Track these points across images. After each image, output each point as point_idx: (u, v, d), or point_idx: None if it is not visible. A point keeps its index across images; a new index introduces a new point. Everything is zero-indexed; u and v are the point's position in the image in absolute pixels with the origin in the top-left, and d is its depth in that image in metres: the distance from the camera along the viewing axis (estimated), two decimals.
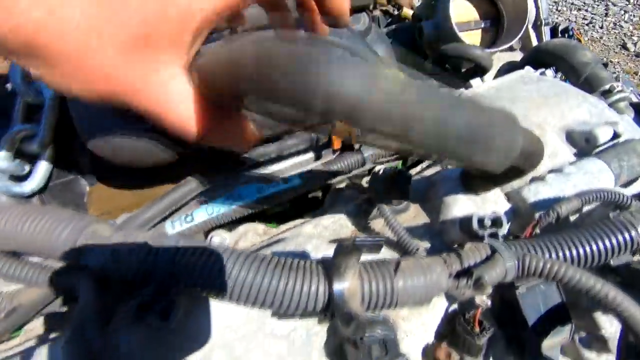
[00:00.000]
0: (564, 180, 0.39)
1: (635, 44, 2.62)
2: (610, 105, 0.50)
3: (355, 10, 0.66)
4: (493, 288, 0.36)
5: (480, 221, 0.32)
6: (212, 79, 0.20)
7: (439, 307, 0.38)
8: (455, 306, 0.39)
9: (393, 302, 0.28)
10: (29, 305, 0.32)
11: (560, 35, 0.66)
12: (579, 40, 0.64)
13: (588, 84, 0.53)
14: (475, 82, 0.58)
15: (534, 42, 0.68)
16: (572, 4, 2.96)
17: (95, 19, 0.16)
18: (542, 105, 0.51)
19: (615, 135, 0.43)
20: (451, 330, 0.38)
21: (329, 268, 0.27)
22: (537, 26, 0.66)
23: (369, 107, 0.19)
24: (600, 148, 0.42)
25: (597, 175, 0.39)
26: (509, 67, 0.67)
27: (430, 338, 0.38)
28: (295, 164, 0.45)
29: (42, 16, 0.15)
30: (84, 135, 0.37)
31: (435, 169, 0.48)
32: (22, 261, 0.29)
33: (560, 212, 0.34)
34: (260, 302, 0.26)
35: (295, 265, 0.27)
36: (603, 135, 0.42)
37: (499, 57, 0.68)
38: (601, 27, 2.79)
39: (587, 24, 2.81)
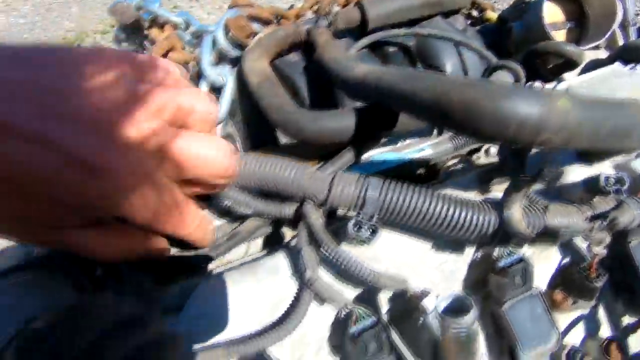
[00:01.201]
0: None
1: None
2: None
3: (451, 12, 0.74)
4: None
5: (607, 179, 0.39)
6: None
7: (554, 258, 0.46)
8: (567, 260, 0.46)
9: (546, 235, 0.35)
10: (247, 232, 0.42)
11: None
12: None
13: None
14: (568, 75, 0.65)
15: (620, 42, 0.73)
16: None
17: None
18: (636, 96, 0.57)
19: None
20: (563, 280, 0.45)
21: (495, 204, 0.35)
22: (624, 26, 0.72)
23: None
24: None
25: None
26: (595, 64, 0.73)
27: (544, 286, 0.45)
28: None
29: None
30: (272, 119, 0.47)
31: None
32: (254, 196, 0.40)
33: None
34: (445, 229, 0.35)
35: (470, 202, 0.35)
36: None
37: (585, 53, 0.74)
38: None
39: None
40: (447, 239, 0.40)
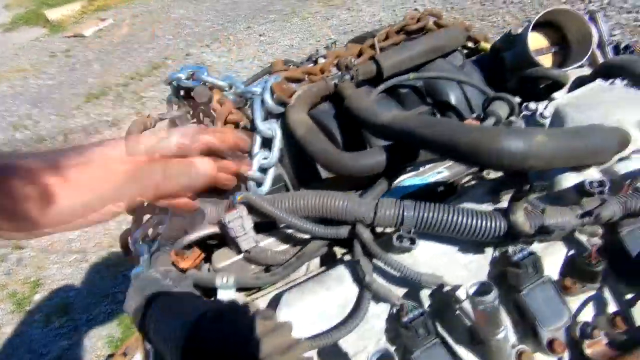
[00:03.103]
0: None
1: None
2: None
3: (451, 52, 0.87)
4: (603, 232, 0.53)
5: (591, 183, 0.50)
6: None
7: (560, 252, 0.55)
8: (572, 252, 0.55)
9: (545, 232, 0.46)
10: (310, 252, 0.54)
11: (622, 52, 0.83)
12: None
13: None
14: (557, 94, 0.76)
15: (599, 60, 0.84)
16: (622, 7, 3.00)
17: None
18: (617, 107, 0.68)
19: None
20: (570, 268, 0.55)
21: (503, 211, 0.46)
22: (601, 47, 0.83)
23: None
24: None
25: None
26: (580, 81, 0.84)
27: (555, 275, 0.55)
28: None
29: None
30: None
31: None
32: (314, 223, 0.52)
33: None
34: (466, 235, 0.46)
35: (482, 211, 0.47)
36: None
37: (570, 73, 0.85)
38: None
39: (638, 26, 2.84)
40: (470, 243, 0.51)
